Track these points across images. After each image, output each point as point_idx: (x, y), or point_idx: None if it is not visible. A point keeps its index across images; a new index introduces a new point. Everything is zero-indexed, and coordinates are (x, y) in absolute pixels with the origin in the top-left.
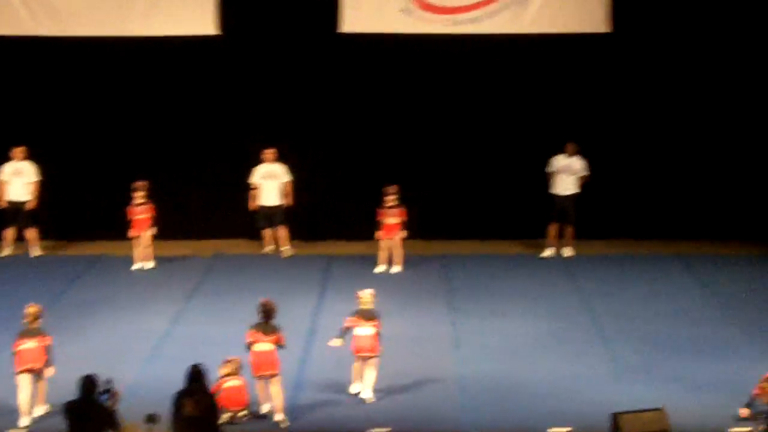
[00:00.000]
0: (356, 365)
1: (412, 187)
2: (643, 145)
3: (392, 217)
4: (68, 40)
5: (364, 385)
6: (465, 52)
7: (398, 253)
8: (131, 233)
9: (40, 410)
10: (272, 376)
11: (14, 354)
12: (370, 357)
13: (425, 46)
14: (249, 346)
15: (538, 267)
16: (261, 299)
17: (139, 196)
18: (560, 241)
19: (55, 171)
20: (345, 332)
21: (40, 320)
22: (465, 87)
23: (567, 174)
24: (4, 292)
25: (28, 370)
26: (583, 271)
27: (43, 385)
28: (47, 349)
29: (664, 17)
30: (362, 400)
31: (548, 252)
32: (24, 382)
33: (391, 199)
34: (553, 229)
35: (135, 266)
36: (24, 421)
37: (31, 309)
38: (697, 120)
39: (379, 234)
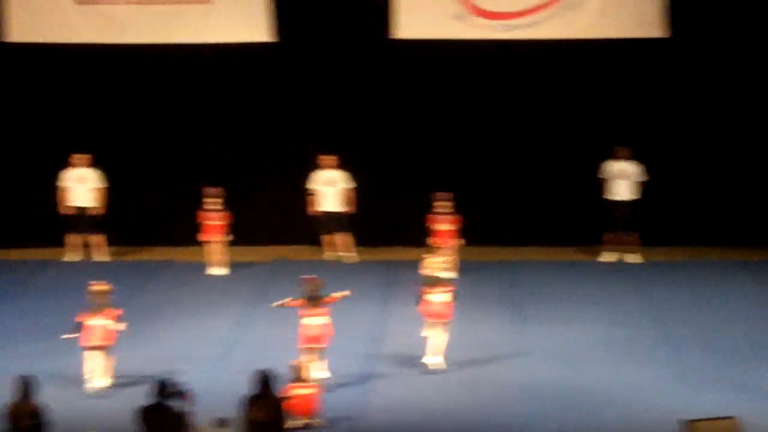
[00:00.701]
0: (430, 332)
1: (468, 193)
2: (706, 150)
3: (444, 224)
4: (128, 49)
5: (435, 351)
6: (517, 58)
7: (454, 259)
8: (202, 237)
9: (105, 382)
10: (320, 349)
11: (81, 327)
12: (443, 322)
13: (478, 52)
14: (300, 318)
15: (602, 273)
16: (304, 277)
17: (214, 203)
18: (620, 247)
19: (122, 178)
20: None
21: (108, 297)
22: (519, 92)
23: (621, 179)
24: (73, 297)
25: (97, 347)
26: (647, 277)
27: (110, 361)
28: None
29: (721, 22)
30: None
31: (605, 257)
32: (91, 356)
33: (441, 206)
34: (609, 236)
35: (211, 270)
36: (99, 382)
37: (99, 287)
38: (760, 124)
39: (433, 241)
